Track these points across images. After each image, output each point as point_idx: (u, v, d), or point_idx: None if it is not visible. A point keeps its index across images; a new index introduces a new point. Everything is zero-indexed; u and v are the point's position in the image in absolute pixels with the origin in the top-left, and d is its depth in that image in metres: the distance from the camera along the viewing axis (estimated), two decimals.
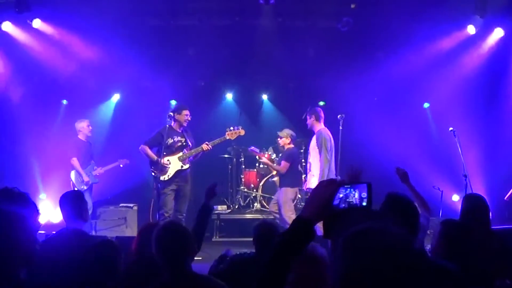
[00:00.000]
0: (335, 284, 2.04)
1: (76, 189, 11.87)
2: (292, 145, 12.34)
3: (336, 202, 2.62)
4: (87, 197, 11.97)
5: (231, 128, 11.38)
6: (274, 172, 13.72)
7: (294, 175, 12.08)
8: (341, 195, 2.65)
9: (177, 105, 11.55)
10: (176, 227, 4.55)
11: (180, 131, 11.30)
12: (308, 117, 11.46)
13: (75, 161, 12.15)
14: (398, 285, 1.94)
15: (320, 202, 2.58)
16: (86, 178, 12.12)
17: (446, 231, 5.62)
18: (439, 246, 5.45)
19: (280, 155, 12.82)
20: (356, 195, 2.65)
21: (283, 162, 11.89)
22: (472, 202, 6.32)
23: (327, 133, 11.23)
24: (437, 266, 3.81)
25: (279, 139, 12.36)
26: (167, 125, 11.01)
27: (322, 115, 11.47)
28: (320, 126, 11.34)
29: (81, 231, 6.14)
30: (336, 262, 2.07)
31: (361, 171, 6.14)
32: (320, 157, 11.03)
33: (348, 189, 2.67)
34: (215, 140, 11.25)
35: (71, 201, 6.16)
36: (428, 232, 6.31)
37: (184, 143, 11.33)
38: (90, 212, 12.03)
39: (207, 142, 11.16)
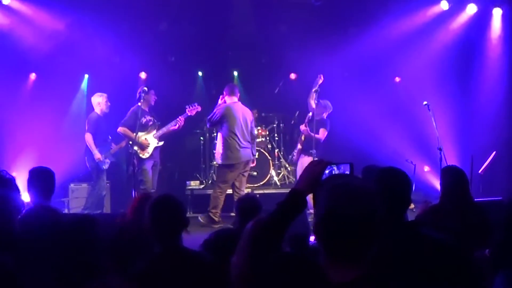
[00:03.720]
0: (316, 224, 2.60)
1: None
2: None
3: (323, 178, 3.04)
4: (104, 176, 12.18)
5: (190, 105, 11.80)
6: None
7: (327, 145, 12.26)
8: (327, 171, 3.11)
9: (143, 86, 11.56)
10: (170, 200, 4.55)
11: (147, 110, 11.69)
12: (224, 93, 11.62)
13: (88, 137, 11.91)
14: (357, 226, 2.48)
15: (312, 177, 3.01)
16: (97, 155, 11.93)
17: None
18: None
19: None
20: (338, 172, 3.18)
21: (321, 130, 11.81)
22: (451, 174, 6.28)
23: (234, 107, 11.43)
24: (433, 238, 3.82)
25: None
26: (137, 106, 11.36)
27: (234, 89, 11.68)
28: (229, 100, 11.46)
29: (54, 208, 6.05)
30: (317, 207, 2.64)
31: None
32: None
33: (333, 167, 3.19)
34: (180, 117, 11.69)
35: (44, 178, 6.05)
36: None
37: (154, 121, 11.78)
38: (104, 192, 12.27)
39: (180, 117, 11.62)
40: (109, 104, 12.26)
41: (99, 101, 12.16)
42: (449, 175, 6.27)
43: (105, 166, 12.04)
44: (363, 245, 2.52)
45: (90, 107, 12.46)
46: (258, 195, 11.06)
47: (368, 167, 5.47)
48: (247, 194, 9.37)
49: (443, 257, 3.67)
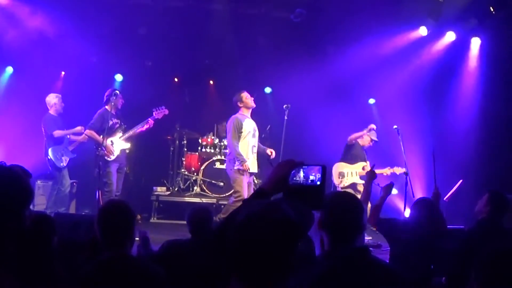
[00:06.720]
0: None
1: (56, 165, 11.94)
2: None
3: (291, 181, 3.01)
4: (66, 174, 12.02)
5: (157, 108, 11.80)
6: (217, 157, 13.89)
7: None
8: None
9: (111, 90, 11.61)
10: (121, 207, 4.48)
11: (114, 113, 11.66)
12: None
13: (58, 133, 11.93)
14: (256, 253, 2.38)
15: (278, 178, 2.98)
16: (79, 138, 12.01)
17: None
18: None
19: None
20: (302, 175, 3.03)
21: None
22: (424, 206, 6.28)
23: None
24: (380, 265, 3.79)
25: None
26: (105, 108, 11.52)
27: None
28: None
29: None
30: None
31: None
32: None
33: (301, 170, 3.03)
34: (148, 119, 11.70)
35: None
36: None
37: (120, 124, 11.77)
38: (67, 190, 12.10)
39: (149, 119, 11.65)
40: (63, 105, 12.22)
41: (55, 102, 12.13)
42: (421, 206, 6.29)
43: (63, 164, 11.94)
44: (266, 273, 2.40)
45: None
46: (223, 206, 11.08)
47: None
48: (200, 204, 9.38)
49: (388, 284, 3.65)
